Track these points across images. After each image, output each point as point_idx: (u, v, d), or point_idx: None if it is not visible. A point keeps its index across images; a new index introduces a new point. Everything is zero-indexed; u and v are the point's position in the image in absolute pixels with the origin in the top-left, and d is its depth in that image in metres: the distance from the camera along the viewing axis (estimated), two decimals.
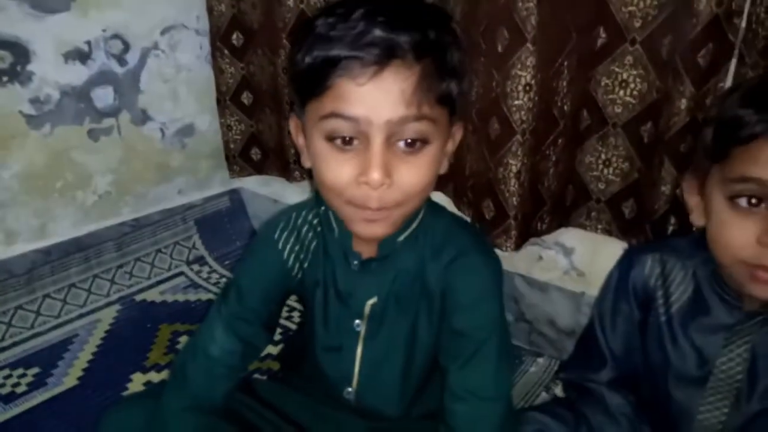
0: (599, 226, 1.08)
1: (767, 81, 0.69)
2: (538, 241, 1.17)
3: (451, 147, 0.68)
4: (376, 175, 0.58)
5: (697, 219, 0.68)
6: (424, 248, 0.72)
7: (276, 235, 0.76)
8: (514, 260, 1.20)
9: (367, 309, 0.74)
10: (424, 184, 0.63)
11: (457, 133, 0.69)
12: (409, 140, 0.60)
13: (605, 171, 1.04)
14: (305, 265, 0.77)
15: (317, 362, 0.79)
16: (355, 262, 0.73)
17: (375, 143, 0.59)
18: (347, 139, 0.60)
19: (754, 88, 0.63)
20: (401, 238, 0.71)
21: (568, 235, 1.14)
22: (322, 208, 0.74)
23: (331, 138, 0.60)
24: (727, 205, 0.63)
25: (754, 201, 0.61)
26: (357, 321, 0.75)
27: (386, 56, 0.57)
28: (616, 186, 1.04)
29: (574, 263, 1.16)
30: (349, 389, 0.78)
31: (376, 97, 0.57)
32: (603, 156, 1.03)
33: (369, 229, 0.64)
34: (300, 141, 0.69)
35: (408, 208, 0.64)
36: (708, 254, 0.68)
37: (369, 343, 0.76)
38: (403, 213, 0.65)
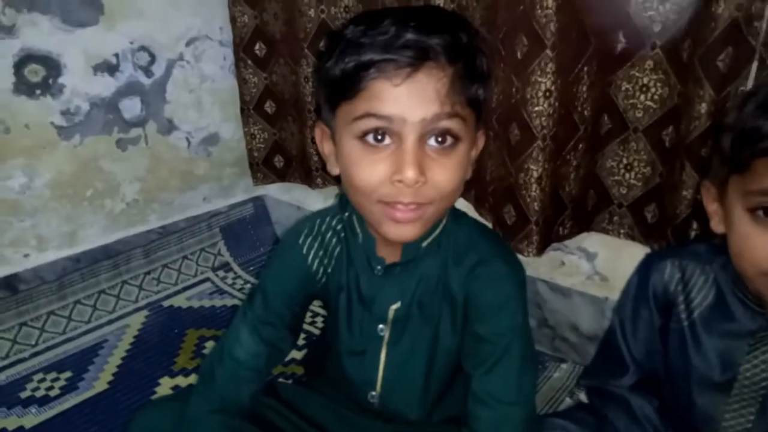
0: (621, 231, 1.08)
1: None
2: (561, 246, 1.17)
3: (474, 153, 0.70)
4: (410, 173, 0.59)
5: (716, 226, 0.68)
6: (447, 254, 0.73)
7: (300, 241, 0.78)
8: (536, 266, 1.20)
9: (390, 314, 0.75)
10: (456, 183, 0.64)
11: (480, 140, 0.71)
12: (441, 137, 0.62)
13: (627, 175, 1.04)
14: (329, 270, 0.78)
15: (341, 366, 0.80)
16: (379, 267, 0.74)
17: (408, 141, 0.60)
18: (380, 137, 0.61)
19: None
20: (425, 243, 0.72)
21: (591, 240, 1.14)
22: (346, 213, 0.76)
23: (363, 136, 0.62)
24: (748, 216, 0.62)
25: None
26: (381, 326, 0.76)
27: (420, 58, 0.59)
28: (637, 190, 1.04)
29: (597, 268, 1.15)
30: (373, 393, 0.79)
31: (411, 97, 0.59)
32: (624, 160, 1.03)
33: (398, 231, 0.65)
34: (326, 148, 0.70)
35: (438, 208, 0.65)
36: (728, 259, 0.67)
37: (392, 348, 0.77)
38: (433, 214, 0.65)
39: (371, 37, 0.60)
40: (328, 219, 0.79)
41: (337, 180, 0.70)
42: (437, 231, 0.73)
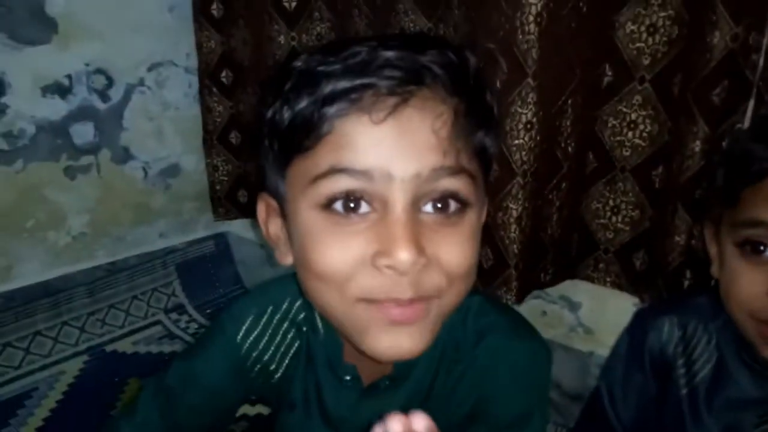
0: (608, 279, 0.99)
1: None
2: (542, 294, 1.08)
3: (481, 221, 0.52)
4: (404, 253, 0.41)
5: (716, 271, 0.60)
6: (448, 348, 0.56)
7: (240, 338, 0.59)
8: None
9: None
10: (469, 263, 0.47)
11: (484, 208, 0.54)
12: (442, 203, 0.45)
13: (613, 219, 0.96)
14: (278, 374, 0.61)
15: None
16: (347, 379, 0.57)
17: (397, 207, 0.43)
18: (353, 204, 0.44)
19: (763, 122, 0.57)
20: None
21: (575, 289, 1.05)
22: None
23: (328, 206, 0.44)
24: (737, 252, 0.56)
25: (762, 248, 0.53)
26: None
27: (411, 82, 0.42)
28: (625, 235, 0.96)
29: (581, 319, 1.06)
30: None
31: (399, 141, 0.42)
32: (611, 202, 0.96)
33: (395, 340, 0.45)
34: (272, 229, 0.53)
35: (449, 303, 0.47)
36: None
37: None
38: (442, 312, 0.47)
39: (335, 63, 0.44)
40: (285, 305, 0.60)
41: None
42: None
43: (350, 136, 0.43)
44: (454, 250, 0.45)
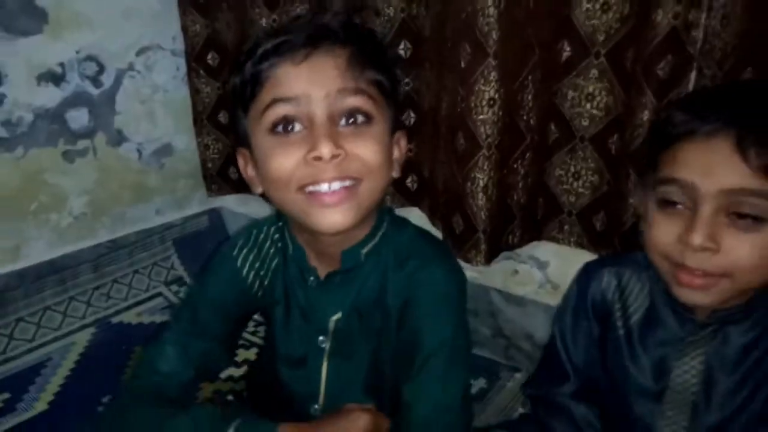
0: (571, 239, 1.08)
1: (708, 89, 0.69)
2: (513, 255, 1.16)
3: (397, 153, 0.69)
4: (325, 146, 0.58)
5: (644, 226, 0.68)
6: (388, 261, 0.71)
7: (235, 252, 0.75)
8: (490, 275, 1.20)
9: (331, 325, 0.73)
10: (379, 158, 0.62)
11: (402, 141, 0.70)
12: (351, 117, 0.61)
13: (575, 184, 1.04)
14: (266, 282, 0.76)
15: (282, 381, 0.78)
16: (311, 279, 0.72)
17: (318, 117, 0.59)
18: (287, 126, 0.60)
19: (691, 93, 0.64)
20: (365, 249, 0.70)
21: (542, 249, 1.14)
22: (280, 222, 0.74)
23: (273, 128, 0.61)
24: (656, 208, 0.63)
25: (677, 203, 0.61)
26: (321, 337, 0.74)
27: (317, 36, 0.60)
28: (586, 199, 1.04)
29: (549, 276, 1.15)
30: (316, 406, 0.76)
31: (313, 74, 0.60)
32: (572, 169, 1.03)
33: (329, 217, 0.61)
34: (249, 171, 0.68)
35: (370, 188, 0.62)
36: None
37: (334, 360, 0.74)
38: (366, 195, 0.62)
39: (267, 38, 0.62)
40: (265, 229, 0.76)
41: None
42: (377, 238, 0.71)
43: (281, 77, 0.61)
44: (365, 146, 0.61)
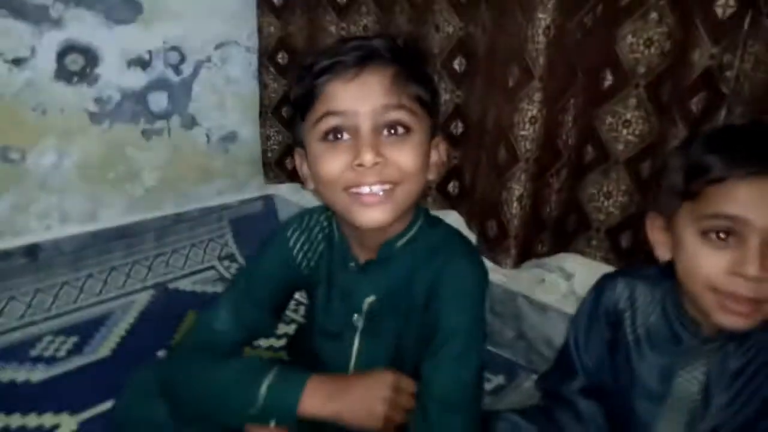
0: (598, 254, 1.15)
1: (726, 130, 0.75)
2: (542, 264, 1.24)
3: (436, 157, 0.77)
4: (368, 155, 0.66)
5: (663, 254, 0.75)
6: (420, 254, 0.80)
7: (288, 234, 0.86)
8: (519, 281, 1.28)
9: (365, 306, 0.82)
10: (416, 164, 0.70)
11: (441, 145, 0.78)
12: (393, 129, 0.69)
13: (606, 203, 1.11)
14: (312, 263, 0.85)
15: (319, 352, 0.87)
16: (352, 264, 0.81)
17: (363, 129, 0.68)
18: (337, 135, 0.69)
19: (715, 137, 0.70)
20: (400, 243, 0.79)
21: (570, 261, 1.21)
22: (329, 212, 0.84)
23: (325, 136, 0.70)
24: (699, 239, 0.69)
25: (722, 236, 0.67)
26: (356, 316, 0.83)
27: (365, 57, 0.69)
28: (614, 218, 1.11)
29: (574, 287, 1.22)
30: None
31: (360, 91, 0.68)
32: (605, 188, 1.11)
33: (369, 215, 0.70)
34: (304, 170, 0.78)
35: (406, 191, 0.71)
36: (673, 283, 0.75)
37: (365, 337, 0.84)
38: (402, 198, 0.71)
39: (321, 56, 0.71)
40: (316, 216, 0.86)
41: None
42: (412, 233, 0.80)
43: (333, 92, 0.69)
44: (403, 154, 0.70)
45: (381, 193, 0.69)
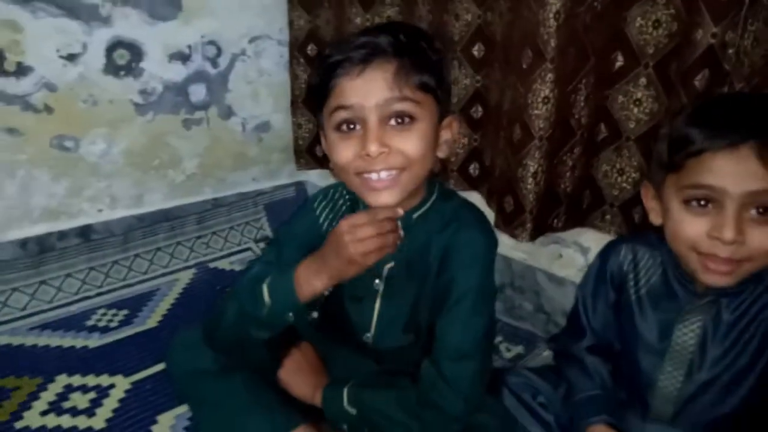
0: (612, 229, 1.21)
1: (709, 103, 0.81)
2: (559, 239, 1.30)
3: (448, 135, 0.84)
4: (373, 146, 0.74)
5: (655, 219, 0.81)
6: (434, 225, 0.87)
7: (315, 204, 0.94)
8: (537, 256, 1.34)
9: (385, 271, 0.90)
10: (420, 150, 0.77)
11: (454, 124, 0.84)
12: (399, 119, 0.76)
13: (619, 179, 1.17)
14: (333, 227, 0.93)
15: (344, 312, 0.96)
16: None
17: (370, 122, 0.75)
18: (349, 126, 0.76)
19: (698, 110, 0.76)
20: (416, 215, 0.87)
21: (585, 236, 1.27)
22: None
23: (338, 127, 0.77)
24: (682, 207, 0.75)
25: (703, 203, 0.73)
26: (377, 281, 0.91)
27: (371, 54, 0.75)
28: (627, 193, 1.16)
29: (590, 261, 1.28)
30: (368, 335, 0.94)
31: (366, 86, 0.75)
32: (618, 165, 1.16)
33: (378, 198, 0.78)
34: (327, 150, 0.85)
35: (412, 175, 0.78)
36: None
37: (385, 299, 0.92)
38: (409, 180, 0.78)
39: (336, 48, 0.78)
40: (340, 189, 0.94)
41: None
42: (427, 206, 0.87)
43: (342, 88, 0.76)
44: (408, 142, 0.77)
45: (388, 178, 0.77)
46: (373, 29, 0.79)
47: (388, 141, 0.76)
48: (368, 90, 0.75)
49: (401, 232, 0.75)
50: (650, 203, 0.82)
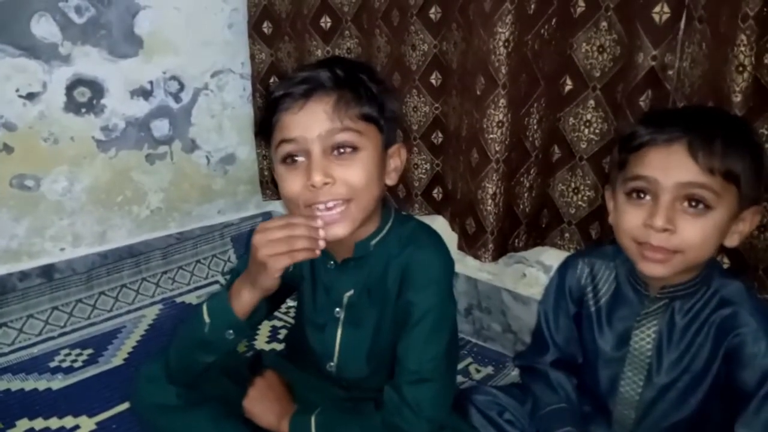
0: (572, 246, 1.24)
1: (664, 109, 0.87)
2: (522, 259, 1.33)
3: (397, 163, 0.86)
4: (317, 177, 0.75)
5: (612, 219, 0.85)
6: (391, 249, 0.88)
7: None
8: (502, 277, 1.37)
9: (345, 299, 0.91)
10: (364, 179, 0.78)
11: (401, 151, 0.86)
12: (339, 148, 0.77)
13: (575, 198, 1.21)
14: (298, 264, 0.91)
15: (308, 342, 0.96)
16: (331, 263, 0.90)
17: (314, 153, 0.77)
18: (294, 158, 0.78)
19: (650, 112, 0.82)
20: (374, 242, 0.88)
21: (547, 254, 1.30)
22: None
23: (284, 160, 0.79)
24: (625, 199, 0.80)
25: (641, 195, 0.78)
26: (337, 309, 0.91)
27: (311, 89, 0.77)
28: (584, 211, 1.20)
29: None
30: (331, 363, 0.93)
31: (307, 120, 0.77)
32: (573, 184, 1.20)
33: (330, 231, 0.77)
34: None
35: (360, 205, 0.79)
36: (627, 256, 0.84)
37: (346, 327, 0.92)
38: (358, 211, 0.79)
39: (279, 85, 0.81)
40: None
41: None
42: (383, 232, 0.88)
43: (285, 123, 0.78)
44: (351, 172, 0.78)
45: (337, 212, 0.78)
46: (313, 65, 0.82)
47: (332, 172, 0.77)
48: (310, 123, 0.77)
49: (321, 243, 0.75)
50: (609, 204, 0.86)
